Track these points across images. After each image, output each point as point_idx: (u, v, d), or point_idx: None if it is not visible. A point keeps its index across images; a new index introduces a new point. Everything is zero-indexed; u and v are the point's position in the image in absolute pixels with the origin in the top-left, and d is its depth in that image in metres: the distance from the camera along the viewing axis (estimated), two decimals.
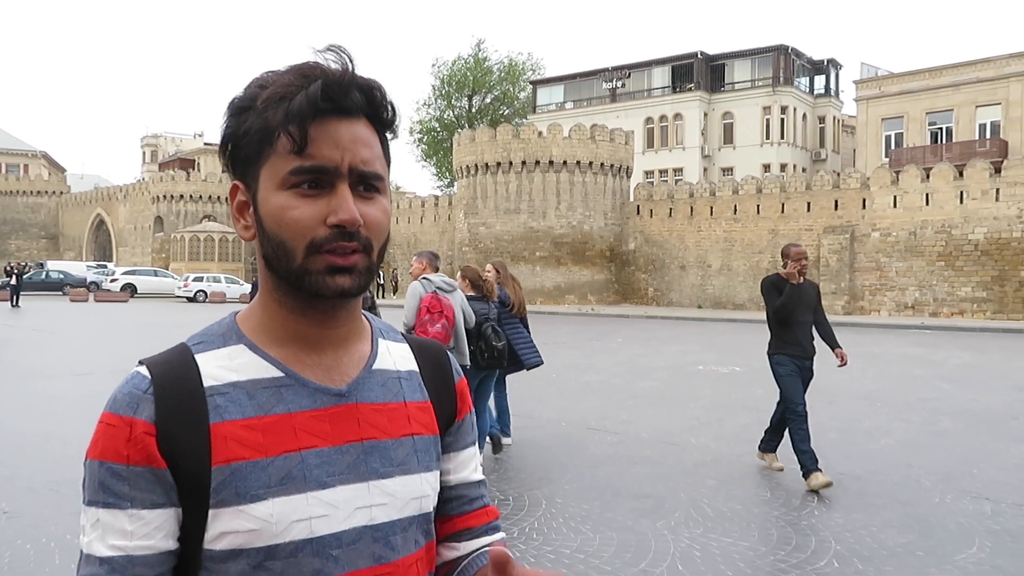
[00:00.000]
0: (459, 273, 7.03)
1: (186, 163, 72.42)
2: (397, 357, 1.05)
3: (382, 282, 44.48)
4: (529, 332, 7.64)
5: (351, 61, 0.93)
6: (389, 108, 0.96)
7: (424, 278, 6.27)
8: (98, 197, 68.71)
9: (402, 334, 1.11)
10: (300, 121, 0.88)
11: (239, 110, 0.93)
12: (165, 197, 58.04)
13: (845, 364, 6.61)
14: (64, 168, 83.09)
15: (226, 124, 0.94)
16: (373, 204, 0.93)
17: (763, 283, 6.46)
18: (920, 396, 10.83)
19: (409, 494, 0.98)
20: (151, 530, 0.87)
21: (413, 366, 1.06)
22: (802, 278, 6.26)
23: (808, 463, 6.04)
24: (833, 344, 6.50)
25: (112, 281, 42.71)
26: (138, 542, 0.87)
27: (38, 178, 72.77)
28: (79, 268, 48.65)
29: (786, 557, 4.63)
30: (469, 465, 1.12)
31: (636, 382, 11.95)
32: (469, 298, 6.65)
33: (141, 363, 0.93)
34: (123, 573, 0.86)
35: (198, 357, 0.93)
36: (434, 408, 1.05)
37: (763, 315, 7.19)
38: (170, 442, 0.88)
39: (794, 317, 6.25)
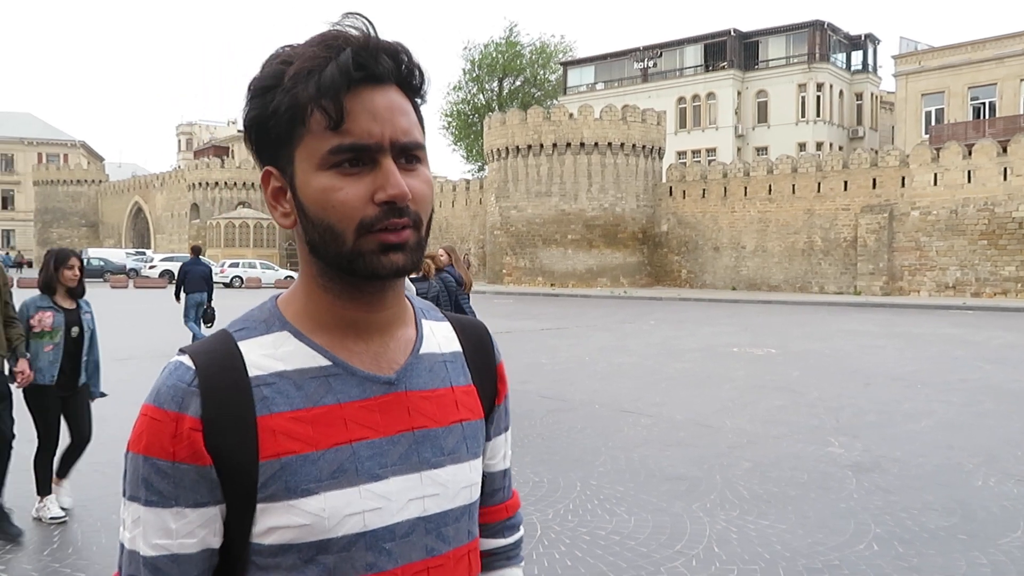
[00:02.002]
0: None
1: (220, 150, 73.29)
2: (441, 338, 1.02)
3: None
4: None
5: (372, 26, 0.88)
6: (418, 72, 0.90)
7: None
8: (136, 185, 69.96)
9: (443, 312, 1.08)
10: (334, 94, 0.84)
11: (263, 90, 0.87)
12: (200, 184, 58.89)
13: None
14: (102, 157, 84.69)
15: (250, 106, 0.88)
16: (416, 176, 0.89)
17: None
18: (961, 377, 10.62)
19: (459, 483, 0.96)
20: (195, 528, 0.85)
21: (457, 347, 1.04)
22: None
23: None
24: None
25: (151, 268, 43.57)
26: (182, 540, 0.85)
27: (77, 167, 74.20)
28: (119, 255, 49.67)
29: (824, 540, 4.58)
30: (499, 453, 1.10)
31: (669, 364, 11.89)
32: (412, 279, 7.49)
33: (183, 351, 0.90)
34: (167, 572, 0.85)
35: (241, 345, 0.90)
36: (478, 391, 1.03)
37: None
38: (217, 438, 0.85)
39: None
